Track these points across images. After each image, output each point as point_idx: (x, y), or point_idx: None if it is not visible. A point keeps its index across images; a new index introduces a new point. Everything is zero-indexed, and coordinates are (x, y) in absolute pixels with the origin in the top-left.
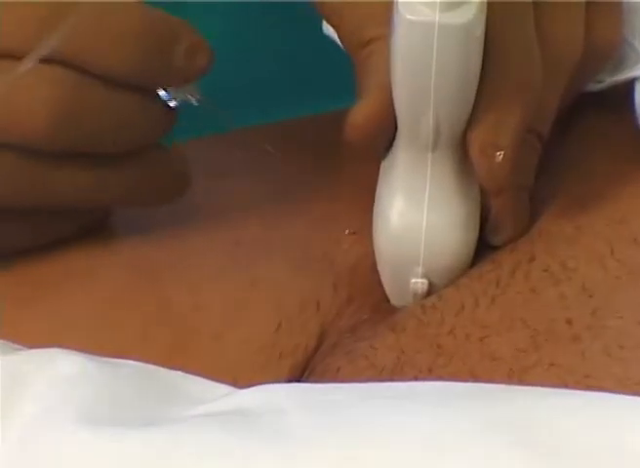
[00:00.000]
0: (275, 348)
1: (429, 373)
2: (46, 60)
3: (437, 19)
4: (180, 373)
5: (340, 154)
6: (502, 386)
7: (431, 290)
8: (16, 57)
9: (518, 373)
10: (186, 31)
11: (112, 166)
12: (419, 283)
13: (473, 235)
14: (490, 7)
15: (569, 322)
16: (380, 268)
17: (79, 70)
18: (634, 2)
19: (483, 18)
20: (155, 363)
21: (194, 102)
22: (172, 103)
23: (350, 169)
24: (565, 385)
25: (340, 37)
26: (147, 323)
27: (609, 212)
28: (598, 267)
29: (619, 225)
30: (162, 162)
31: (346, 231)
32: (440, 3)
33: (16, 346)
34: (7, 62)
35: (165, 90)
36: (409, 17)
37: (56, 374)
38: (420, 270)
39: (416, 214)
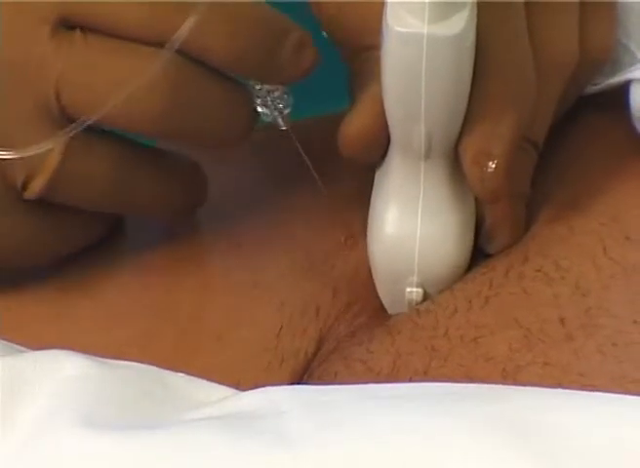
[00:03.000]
0: (278, 351)
1: (425, 376)
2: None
3: (426, 30)
4: (182, 376)
5: (341, 157)
6: (499, 386)
7: (426, 299)
8: (152, 44)
9: (512, 373)
10: (295, 28)
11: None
12: (414, 292)
13: (468, 244)
14: (481, 15)
15: (562, 321)
16: (375, 277)
17: (190, 58)
18: (628, 3)
19: (473, 27)
20: (158, 364)
21: (281, 126)
22: (263, 117)
23: (351, 172)
24: (559, 384)
25: (336, 43)
26: (150, 324)
27: (601, 211)
28: (591, 266)
29: (611, 224)
30: (197, 174)
31: (342, 238)
32: (429, 14)
33: (20, 348)
34: (146, 50)
35: (265, 105)
36: (397, 28)
37: (59, 376)
38: (414, 280)
39: (410, 224)
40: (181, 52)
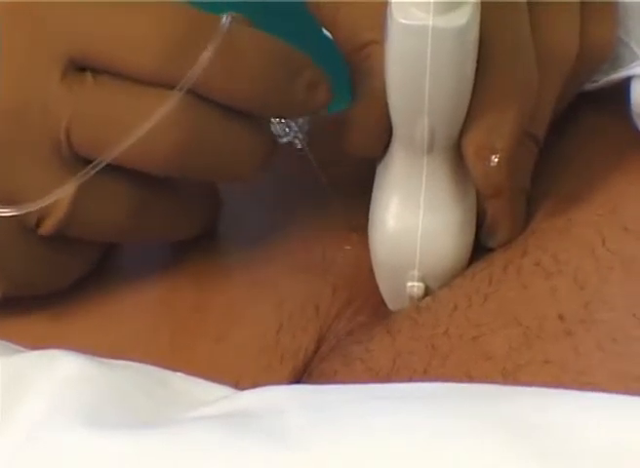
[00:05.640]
0: (277, 349)
1: (424, 375)
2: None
3: (431, 22)
4: (180, 375)
5: (342, 155)
6: (498, 386)
7: (427, 293)
8: (163, 86)
9: (513, 372)
10: (309, 65)
11: (190, 203)
12: (415, 287)
13: (469, 238)
14: (484, 9)
15: (561, 317)
16: (376, 272)
17: (201, 97)
18: (628, 3)
19: (477, 20)
20: (157, 363)
21: (298, 146)
22: (280, 138)
23: (352, 166)
24: (559, 382)
25: (335, 41)
26: (149, 324)
27: (599, 202)
28: (590, 258)
29: (610, 215)
30: (213, 194)
31: (343, 234)
32: (434, 7)
33: (17, 347)
34: (156, 91)
35: (281, 127)
36: (402, 20)
37: (56, 376)
38: (415, 274)
39: (411, 218)
40: (192, 92)
